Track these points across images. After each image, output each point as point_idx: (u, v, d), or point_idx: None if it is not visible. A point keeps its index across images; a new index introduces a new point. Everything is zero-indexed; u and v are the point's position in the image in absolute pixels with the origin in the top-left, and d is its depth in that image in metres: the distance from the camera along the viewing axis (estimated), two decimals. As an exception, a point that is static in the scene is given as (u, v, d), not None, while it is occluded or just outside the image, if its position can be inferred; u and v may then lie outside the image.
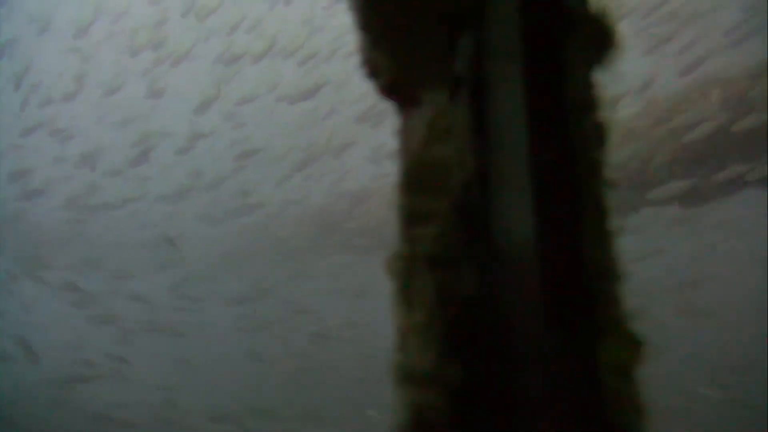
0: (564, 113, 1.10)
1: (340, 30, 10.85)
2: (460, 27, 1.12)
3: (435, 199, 1.09)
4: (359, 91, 8.77)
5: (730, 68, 8.08)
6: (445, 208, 1.07)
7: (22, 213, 13.31)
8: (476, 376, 1.00)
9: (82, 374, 12.03)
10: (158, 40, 11.82)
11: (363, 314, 11.60)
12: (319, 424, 12.91)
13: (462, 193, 1.06)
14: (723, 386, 11.28)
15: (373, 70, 1.19)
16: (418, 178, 1.11)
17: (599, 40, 1.16)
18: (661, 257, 11.72)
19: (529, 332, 0.98)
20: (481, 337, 1.01)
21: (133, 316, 12.62)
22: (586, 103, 1.11)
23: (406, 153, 1.14)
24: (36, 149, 12.82)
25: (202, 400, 13.11)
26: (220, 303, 13.12)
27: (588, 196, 1.06)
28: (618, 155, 8.02)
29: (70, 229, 13.74)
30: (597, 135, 1.10)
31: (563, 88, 1.11)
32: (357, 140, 12.04)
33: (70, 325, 12.81)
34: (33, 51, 12.53)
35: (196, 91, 12.07)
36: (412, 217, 1.10)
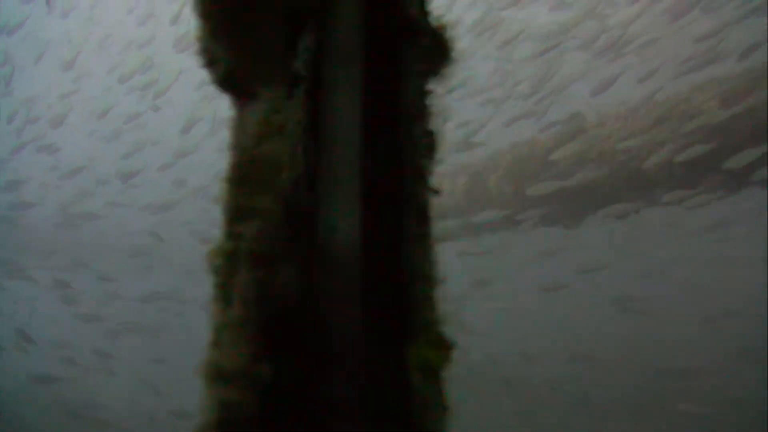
0: (396, 120, 1.04)
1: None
2: (301, 26, 1.05)
3: (261, 196, 1.00)
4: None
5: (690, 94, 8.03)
6: (271, 205, 0.99)
7: (18, 217, 13.15)
8: (287, 375, 0.91)
9: (67, 369, 11.83)
10: (147, 59, 11.70)
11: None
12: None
13: (289, 192, 0.98)
14: (725, 387, 11.21)
15: (209, 60, 1.11)
16: (246, 174, 1.03)
17: (436, 51, 1.10)
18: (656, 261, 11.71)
19: (344, 333, 0.90)
20: (296, 336, 0.93)
21: (119, 316, 12.46)
22: (419, 111, 1.05)
23: (236, 147, 1.06)
24: (30, 161, 12.72)
25: (186, 398, 12.90)
26: (204, 305, 12.93)
27: (412, 203, 0.99)
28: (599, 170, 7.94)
29: (61, 233, 13.59)
30: (426, 143, 1.05)
31: (398, 96, 1.05)
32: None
33: (60, 321, 12.65)
34: (28, 70, 12.43)
35: (184, 107, 11.96)
36: (237, 212, 1.01)
